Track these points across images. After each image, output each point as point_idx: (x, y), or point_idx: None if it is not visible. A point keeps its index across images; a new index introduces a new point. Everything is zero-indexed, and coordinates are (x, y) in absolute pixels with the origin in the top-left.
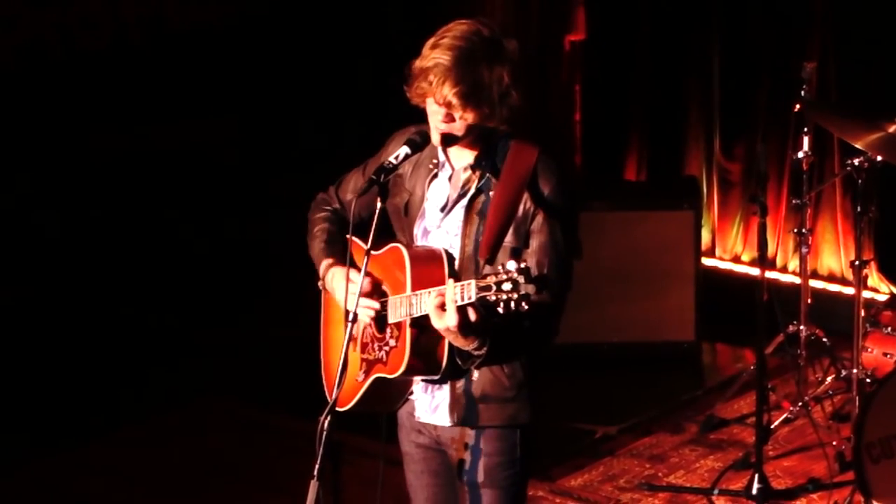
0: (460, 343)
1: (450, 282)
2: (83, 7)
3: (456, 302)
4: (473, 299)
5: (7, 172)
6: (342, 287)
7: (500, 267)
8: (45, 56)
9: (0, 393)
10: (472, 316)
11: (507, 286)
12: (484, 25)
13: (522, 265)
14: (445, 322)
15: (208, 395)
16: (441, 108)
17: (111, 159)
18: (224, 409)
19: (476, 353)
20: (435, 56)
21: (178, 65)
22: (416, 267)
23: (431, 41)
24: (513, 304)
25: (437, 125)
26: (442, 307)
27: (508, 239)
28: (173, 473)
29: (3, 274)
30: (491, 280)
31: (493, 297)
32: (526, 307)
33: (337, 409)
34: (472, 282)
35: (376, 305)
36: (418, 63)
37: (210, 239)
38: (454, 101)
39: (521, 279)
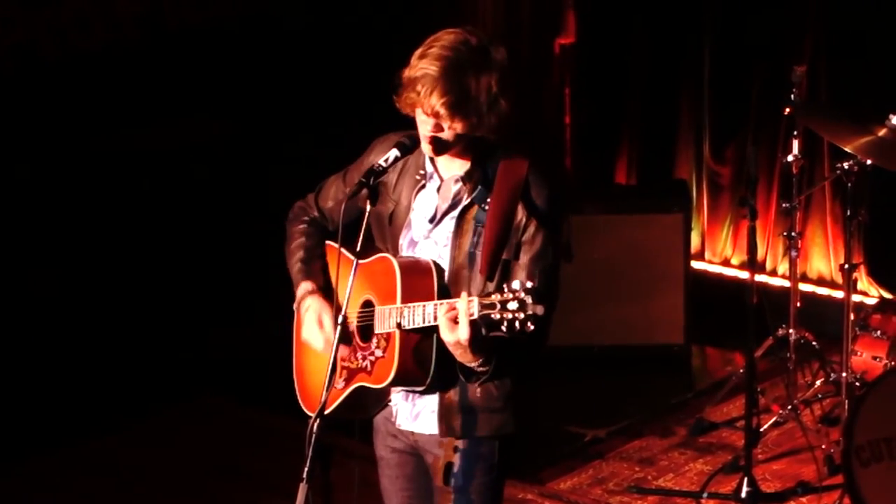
0: (467, 359)
1: (463, 295)
2: (78, 7)
3: (471, 316)
4: (476, 317)
5: (4, 173)
6: (312, 324)
7: (504, 286)
8: (40, 57)
9: (0, 390)
10: (484, 331)
11: (512, 305)
12: (471, 34)
13: (529, 285)
14: (457, 335)
15: (209, 395)
16: (430, 119)
17: (108, 160)
18: (224, 409)
19: (480, 369)
20: (423, 66)
21: (173, 64)
22: (406, 279)
23: (419, 51)
24: (518, 324)
25: (425, 134)
26: (454, 321)
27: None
28: (174, 472)
29: (2, 272)
30: (496, 298)
31: (498, 316)
32: (532, 327)
33: (312, 414)
34: (475, 299)
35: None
36: (407, 73)
37: (209, 238)
38: (442, 111)
39: (529, 299)
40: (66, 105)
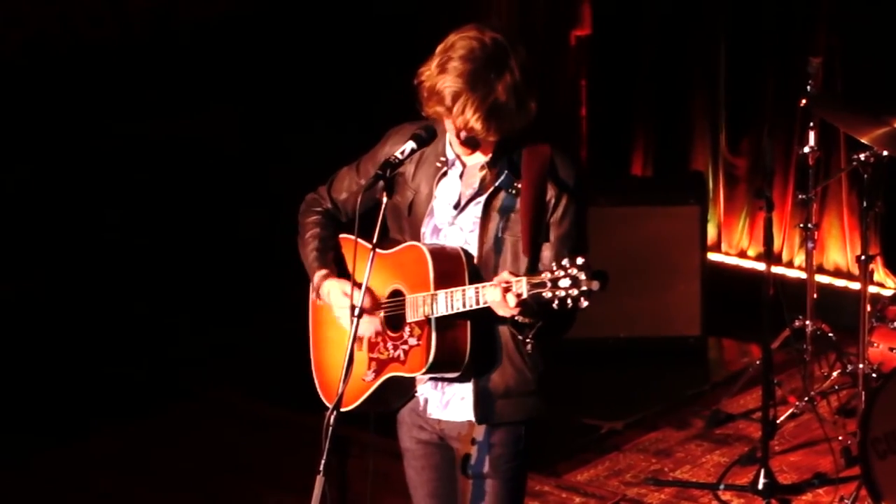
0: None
1: (505, 273)
2: (88, 1)
3: (520, 296)
4: (525, 296)
5: (12, 164)
6: (339, 298)
7: (553, 264)
8: (51, 49)
9: (7, 387)
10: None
11: (564, 283)
12: (482, 31)
13: (580, 261)
14: (507, 313)
15: (215, 391)
16: (462, 131)
17: (115, 152)
18: (231, 405)
19: (531, 321)
20: (448, 84)
21: (181, 57)
22: (437, 265)
23: (436, 61)
24: (570, 301)
25: (460, 137)
26: (506, 297)
27: None
28: (180, 469)
29: (10, 267)
30: (545, 277)
31: (549, 294)
32: (586, 304)
33: (340, 409)
34: (524, 279)
35: (376, 324)
36: (428, 82)
37: (214, 233)
38: (477, 126)
39: (583, 275)
40: (74, 97)
